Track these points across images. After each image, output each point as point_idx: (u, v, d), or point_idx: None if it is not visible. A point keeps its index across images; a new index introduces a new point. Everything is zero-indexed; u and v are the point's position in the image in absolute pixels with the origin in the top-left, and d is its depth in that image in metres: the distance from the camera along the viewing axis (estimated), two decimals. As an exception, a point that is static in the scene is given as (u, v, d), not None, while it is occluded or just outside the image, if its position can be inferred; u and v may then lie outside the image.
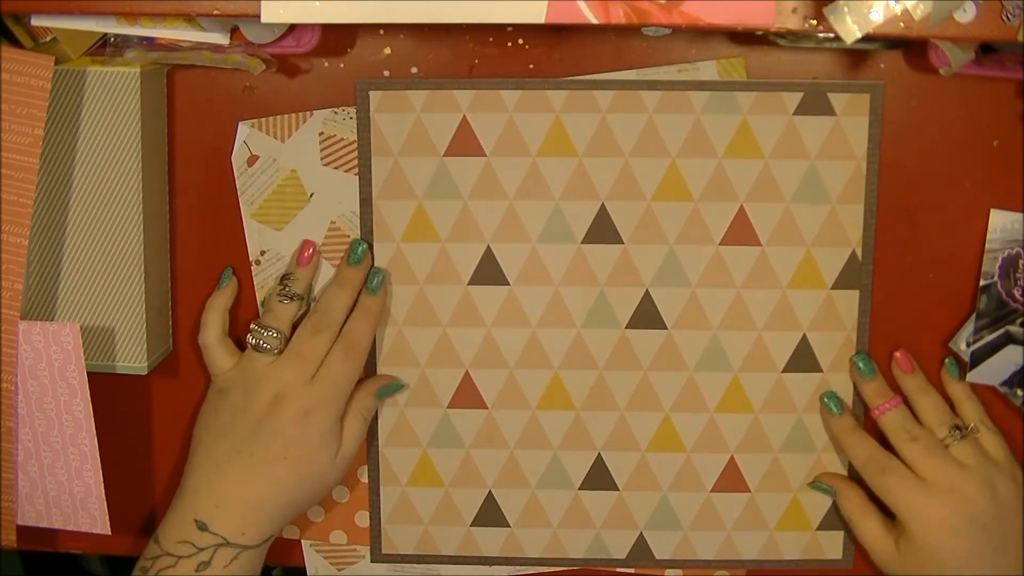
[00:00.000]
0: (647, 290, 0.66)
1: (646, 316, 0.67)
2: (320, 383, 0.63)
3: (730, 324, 0.66)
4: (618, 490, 0.69)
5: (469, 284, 0.67)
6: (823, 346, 0.66)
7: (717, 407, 0.67)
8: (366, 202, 0.66)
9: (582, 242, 0.66)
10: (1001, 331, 0.65)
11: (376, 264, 0.67)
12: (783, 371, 0.67)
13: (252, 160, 0.67)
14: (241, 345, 0.67)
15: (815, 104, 0.64)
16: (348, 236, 0.67)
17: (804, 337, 0.66)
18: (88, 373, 0.61)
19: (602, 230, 0.66)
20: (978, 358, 0.66)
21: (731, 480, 0.68)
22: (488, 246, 0.66)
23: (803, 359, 0.67)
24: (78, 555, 0.86)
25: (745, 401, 0.67)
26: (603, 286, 0.66)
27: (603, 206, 0.65)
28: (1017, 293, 0.65)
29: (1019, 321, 0.65)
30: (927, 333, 0.67)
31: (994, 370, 0.66)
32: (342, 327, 0.65)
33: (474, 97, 0.65)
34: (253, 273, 0.68)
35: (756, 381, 0.67)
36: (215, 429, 0.63)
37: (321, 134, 0.66)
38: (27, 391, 0.62)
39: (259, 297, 0.68)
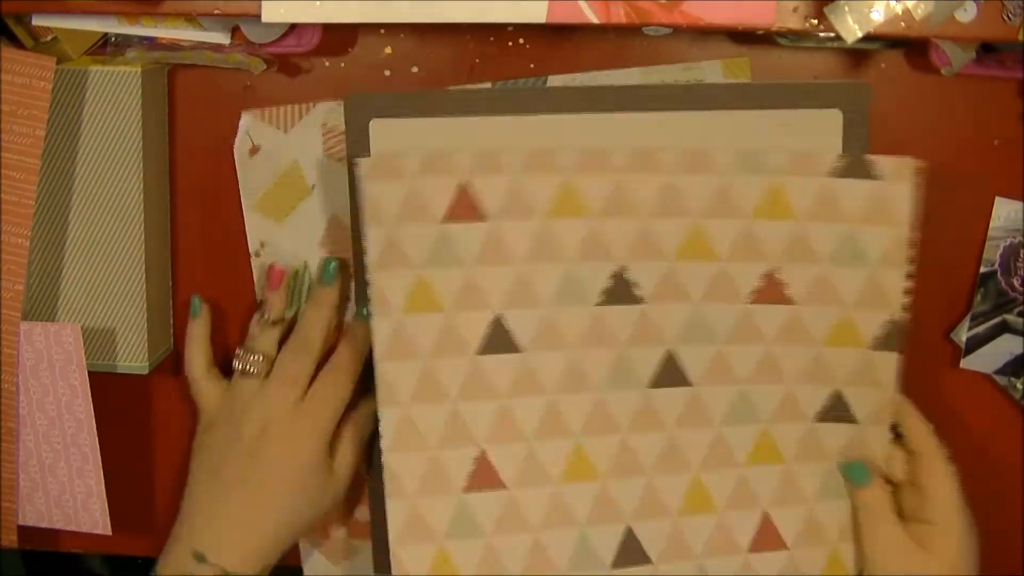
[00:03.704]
0: (669, 349, 0.62)
1: (669, 375, 0.62)
2: (307, 407, 0.62)
3: (759, 378, 0.62)
4: (652, 563, 0.63)
5: (478, 354, 0.60)
6: (859, 400, 0.62)
7: (747, 460, 0.63)
8: (361, 274, 0.62)
9: (597, 304, 0.61)
10: (998, 319, 0.66)
11: (376, 337, 0.60)
12: (815, 420, 0.62)
13: (254, 150, 0.67)
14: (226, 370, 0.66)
15: (854, 167, 0.60)
16: (348, 229, 0.66)
17: (838, 391, 0.62)
18: (89, 373, 0.61)
19: (619, 291, 0.61)
20: (973, 345, 0.66)
21: (767, 538, 0.63)
22: (496, 314, 0.60)
23: (837, 410, 0.62)
24: (79, 555, 0.86)
25: (776, 452, 0.63)
26: (622, 348, 0.61)
27: (620, 268, 0.61)
28: (1016, 283, 0.65)
29: (1016, 311, 0.66)
30: (928, 329, 0.67)
31: (989, 358, 0.66)
32: (323, 347, 0.64)
33: (473, 160, 0.59)
34: (253, 266, 0.68)
35: (786, 432, 0.62)
36: (207, 466, 0.63)
37: (324, 125, 0.66)
38: (28, 391, 0.62)
39: (259, 292, 0.68)
